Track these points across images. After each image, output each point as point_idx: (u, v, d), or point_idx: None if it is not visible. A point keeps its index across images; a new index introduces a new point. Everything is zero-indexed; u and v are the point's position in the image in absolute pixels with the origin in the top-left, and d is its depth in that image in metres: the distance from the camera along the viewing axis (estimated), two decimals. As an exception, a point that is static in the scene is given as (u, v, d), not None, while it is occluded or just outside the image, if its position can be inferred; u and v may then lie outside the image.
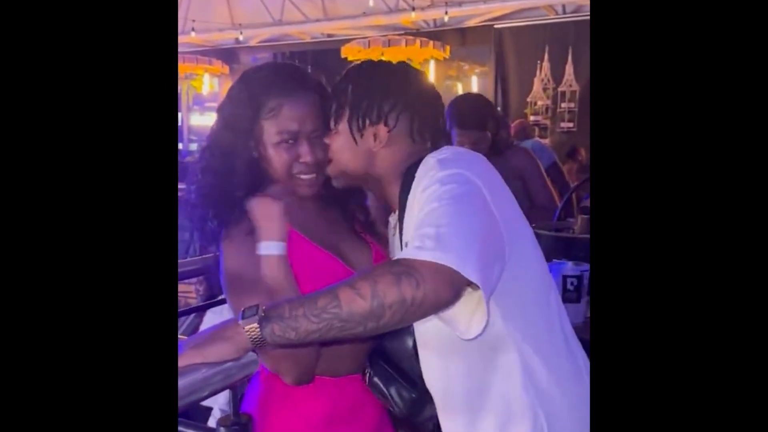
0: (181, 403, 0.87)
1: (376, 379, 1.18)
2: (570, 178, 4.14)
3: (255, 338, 0.89)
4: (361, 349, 1.20)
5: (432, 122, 1.17)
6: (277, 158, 1.17)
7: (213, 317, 2.92)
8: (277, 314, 0.88)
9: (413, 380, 1.15)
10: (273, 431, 1.21)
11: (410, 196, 1.05)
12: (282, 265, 1.11)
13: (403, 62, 1.26)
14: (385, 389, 1.16)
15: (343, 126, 1.14)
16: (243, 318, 0.90)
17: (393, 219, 1.20)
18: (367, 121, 1.12)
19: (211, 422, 2.58)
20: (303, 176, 1.18)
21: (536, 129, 6.95)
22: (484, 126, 2.46)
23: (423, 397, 1.14)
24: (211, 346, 0.91)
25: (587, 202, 2.36)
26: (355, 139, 1.13)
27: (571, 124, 6.98)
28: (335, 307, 0.86)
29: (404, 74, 1.17)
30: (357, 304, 0.86)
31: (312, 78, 1.23)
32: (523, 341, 1.02)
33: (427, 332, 1.10)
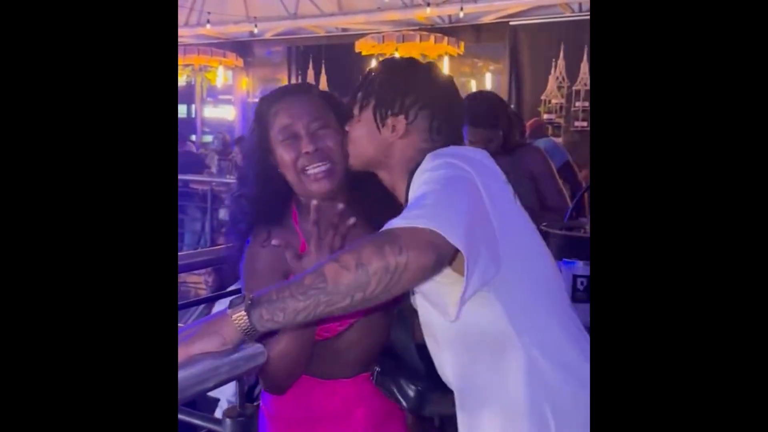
0: (185, 393, 0.87)
1: (382, 375, 1.20)
2: (584, 179, 4.11)
3: (244, 327, 0.90)
4: (354, 352, 1.25)
5: (450, 123, 1.20)
6: (284, 157, 1.22)
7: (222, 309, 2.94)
8: (265, 299, 0.89)
9: (419, 373, 1.16)
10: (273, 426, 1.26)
11: (410, 193, 1.06)
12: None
13: (433, 63, 1.32)
14: (392, 384, 1.18)
15: (367, 114, 1.18)
16: (231, 307, 0.91)
17: None
18: (389, 112, 1.16)
19: (218, 413, 2.61)
20: (309, 170, 1.21)
21: (550, 128, 6.91)
22: (496, 124, 2.44)
23: (429, 390, 1.16)
24: (198, 341, 0.91)
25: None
26: (378, 127, 1.17)
27: (585, 123, 6.93)
28: (321, 282, 0.87)
29: (431, 74, 1.22)
30: (341, 275, 0.86)
31: (305, 84, 1.39)
32: (528, 338, 1.03)
33: (433, 326, 1.11)
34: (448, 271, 0.96)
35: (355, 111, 1.21)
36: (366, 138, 1.19)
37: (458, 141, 1.21)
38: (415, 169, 1.10)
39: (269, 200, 1.27)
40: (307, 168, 1.21)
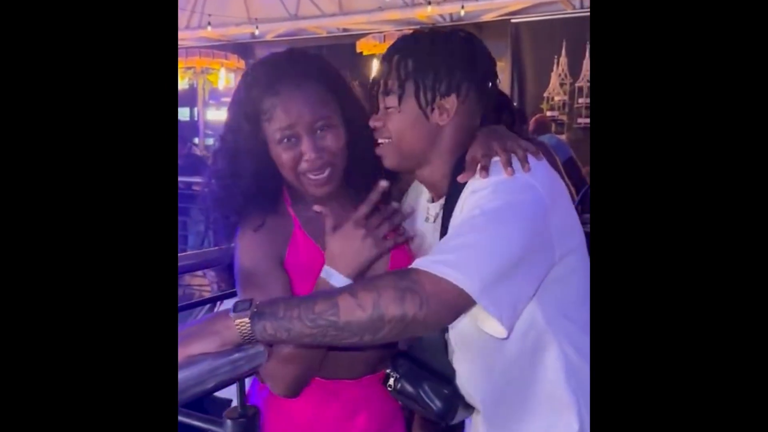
0: (185, 395, 0.86)
1: (403, 382, 1.09)
2: (587, 175, 4.11)
3: (245, 333, 0.87)
4: (362, 354, 1.16)
5: (494, 92, 1.10)
6: (280, 158, 1.11)
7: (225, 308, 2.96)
8: (271, 311, 0.86)
9: (446, 377, 1.09)
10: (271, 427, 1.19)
11: (464, 192, 0.99)
12: None
13: (461, 30, 1.13)
14: (415, 391, 1.08)
15: (409, 103, 1.05)
16: (234, 311, 0.88)
17: (434, 208, 1.14)
18: (437, 93, 1.03)
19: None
20: (310, 176, 1.11)
21: (553, 124, 6.90)
22: (498, 120, 2.44)
23: (457, 394, 1.09)
24: (197, 341, 0.88)
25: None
26: (426, 114, 1.04)
27: (588, 120, 6.92)
28: (333, 315, 0.84)
29: (467, 43, 1.08)
30: (356, 315, 0.83)
31: (314, 64, 1.16)
32: (564, 336, 1.00)
33: (465, 335, 1.05)
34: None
35: (388, 103, 1.07)
36: (412, 130, 1.06)
37: (495, 109, 1.11)
38: (462, 158, 1.03)
39: (262, 182, 1.13)
40: (307, 173, 1.11)
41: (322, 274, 1.05)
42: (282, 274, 1.10)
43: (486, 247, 0.88)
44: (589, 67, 6.80)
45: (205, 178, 1.20)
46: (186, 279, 3.99)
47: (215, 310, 2.93)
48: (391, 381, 1.10)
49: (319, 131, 1.10)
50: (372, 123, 1.10)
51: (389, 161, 1.10)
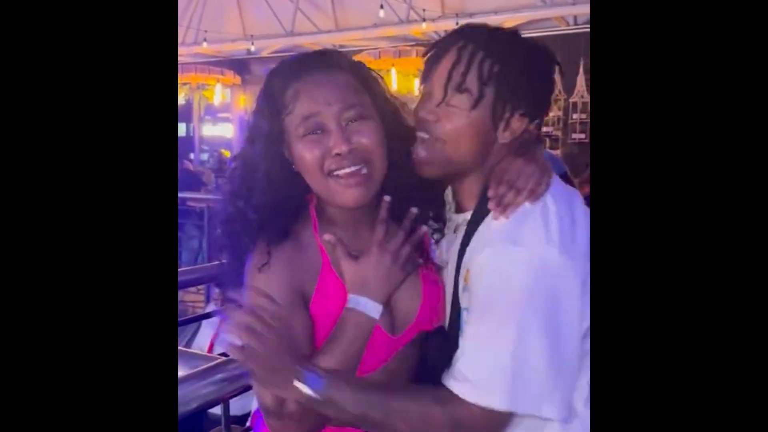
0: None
1: None
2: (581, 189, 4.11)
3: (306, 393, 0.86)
4: None
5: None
6: (305, 156, 0.93)
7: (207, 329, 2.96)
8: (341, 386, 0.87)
9: None
10: None
11: (484, 226, 0.94)
12: (366, 332, 0.93)
13: (544, 46, 1.00)
14: None
15: (480, 110, 0.92)
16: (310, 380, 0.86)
17: (457, 219, 1.05)
18: (515, 111, 0.93)
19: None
20: (339, 172, 0.93)
21: (547, 140, 6.93)
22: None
23: None
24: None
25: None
26: (495, 126, 0.93)
27: (582, 135, 6.95)
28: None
29: (549, 60, 0.97)
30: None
31: (342, 58, 1.00)
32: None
33: None
34: None
35: (454, 101, 0.93)
36: (473, 139, 0.94)
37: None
38: (495, 166, 0.96)
39: (281, 207, 0.96)
40: (337, 171, 0.93)
41: (350, 304, 0.93)
42: (305, 316, 0.95)
43: (515, 359, 0.86)
44: (583, 83, 6.84)
45: (220, 196, 1.08)
46: (179, 295, 3.98)
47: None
48: None
49: (350, 122, 0.93)
50: (424, 114, 0.96)
51: (430, 163, 0.96)
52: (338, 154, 0.92)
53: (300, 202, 1.00)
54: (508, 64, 0.92)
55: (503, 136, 0.95)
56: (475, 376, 0.87)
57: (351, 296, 0.94)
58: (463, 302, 0.96)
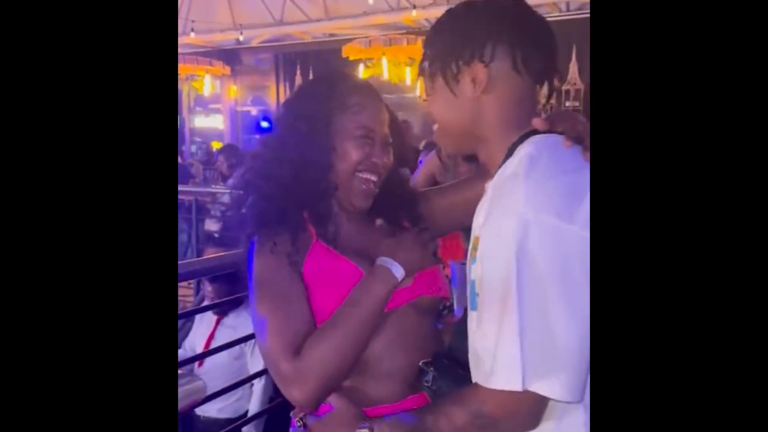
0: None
1: (441, 381, 1.04)
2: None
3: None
4: (399, 375, 1.12)
5: (540, 53, 0.96)
6: (354, 151, 1.14)
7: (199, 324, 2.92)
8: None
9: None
10: None
11: (495, 193, 0.90)
12: (386, 297, 1.09)
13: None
14: (451, 390, 1.02)
15: (437, 81, 0.98)
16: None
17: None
18: (461, 63, 0.94)
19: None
20: (366, 175, 1.15)
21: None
22: None
23: None
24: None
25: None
26: (452, 90, 0.96)
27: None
28: None
29: (494, 3, 0.99)
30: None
31: (374, 88, 1.26)
32: None
33: None
34: None
35: (425, 86, 1.02)
36: (448, 109, 0.98)
37: (555, 76, 1.01)
38: (515, 145, 0.93)
39: (314, 187, 1.14)
40: (365, 173, 1.15)
41: (381, 262, 1.11)
42: (299, 284, 1.10)
43: (537, 339, 0.82)
44: (576, 70, 6.85)
45: (243, 175, 1.21)
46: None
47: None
48: (429, 377, 1.06)
49: (385, 144, 1.19)
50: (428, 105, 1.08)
51: (444, 146, 1.13)
52: (375, 162, 1.16)
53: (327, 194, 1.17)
54: (442, 30, 1.00)
55: (474, 90, 0.95)
56: (491, 361, 0.84)
57: (381, 258, 1.12)
58: (472, 274, 0.92)
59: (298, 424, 1.10)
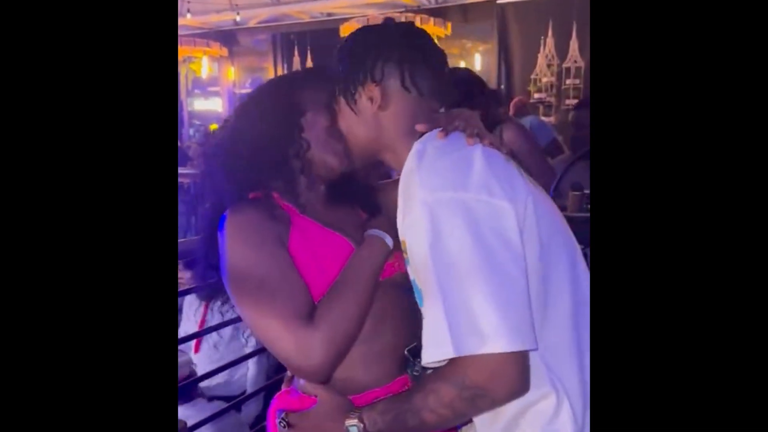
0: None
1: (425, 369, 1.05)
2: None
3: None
4: (390, 356, 1.13)
5: (427, 70, 1.05)
6: (322, 118, 1.12)
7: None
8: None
9: None
10: None
11: (402, 188, 0.97)
12: (382, 265, 1.11)
13: (388, 18, 1.20)
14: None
15: (341, 102, 1.08)
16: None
17: None
18: (357, 84, 1.04)
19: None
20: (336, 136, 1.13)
21: (541, 107, 6.90)
22: (470, 103, 2.41)
23: None
24: None
25: (578, 179, 2.30)
26: (352, 108, 1.06)
27: (576, 101, 6.91)
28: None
29: (384, 27, 1.10)
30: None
31: None
32: (545, 349, 0.93)
33: None
34: None
35: (335, 106, 1.10)
36: (351, 125, 1.08)
37: (445, 91, 1.09)
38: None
39: (283, 151, 1.13)
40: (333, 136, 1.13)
41: (374, 233, 1.13)
42: (287, 255, 1.07)
43: (488, 303, 0.84)
44: (576, 48, 6.78)
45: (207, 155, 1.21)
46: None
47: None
48: (417, 366, 1.08)
49: None
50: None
51: (354, 157, 1.12)
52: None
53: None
54: (342, 56, 1.08)
55: (371, 107, 1.04)
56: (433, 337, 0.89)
57: (372, 230, 1.14)
58: (410, 274, 1.00)
59: (281, 424, 1.09)
